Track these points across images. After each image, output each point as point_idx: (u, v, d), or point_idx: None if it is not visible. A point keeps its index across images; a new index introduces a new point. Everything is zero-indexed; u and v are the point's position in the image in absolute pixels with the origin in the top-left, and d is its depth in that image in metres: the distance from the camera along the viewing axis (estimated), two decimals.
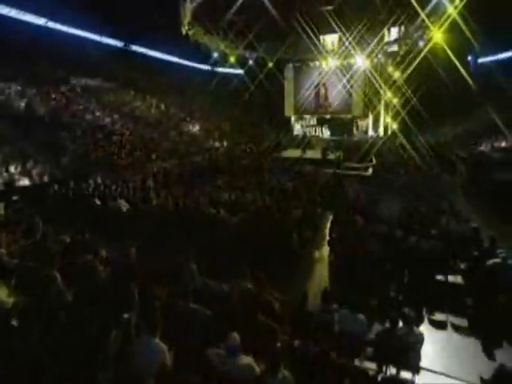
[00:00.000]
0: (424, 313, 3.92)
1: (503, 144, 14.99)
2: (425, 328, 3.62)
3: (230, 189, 8.29)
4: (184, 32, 14.83)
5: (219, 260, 4.56)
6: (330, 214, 7.75)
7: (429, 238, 5.06)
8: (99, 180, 9.20)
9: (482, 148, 16.10)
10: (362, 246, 5.08)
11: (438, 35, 18.68)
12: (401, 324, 3.08)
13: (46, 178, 9.15)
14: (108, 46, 20.45)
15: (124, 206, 7.47)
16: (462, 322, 3.91)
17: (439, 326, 3.82)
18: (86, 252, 4.14)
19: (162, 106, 22.79)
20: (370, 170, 12.16)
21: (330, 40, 23.39)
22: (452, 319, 3.94)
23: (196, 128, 23.06)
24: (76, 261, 3.82)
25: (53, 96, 15.15)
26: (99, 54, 19.28)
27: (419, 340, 2.82)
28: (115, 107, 18.64)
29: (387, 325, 3.05)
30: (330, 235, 6.58)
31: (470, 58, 22.92)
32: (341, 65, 23.75)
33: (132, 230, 6.42)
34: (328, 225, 6.90)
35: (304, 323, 3.23)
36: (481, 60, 22.99)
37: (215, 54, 20.47)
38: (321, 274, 4.94)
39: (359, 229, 5.71)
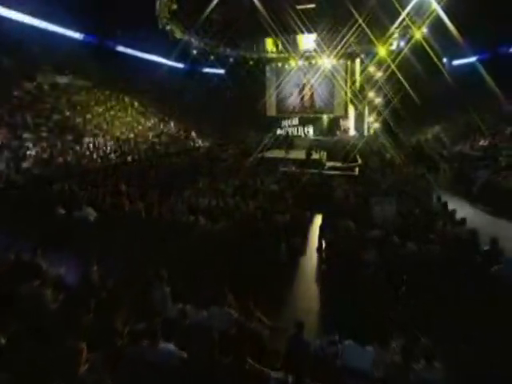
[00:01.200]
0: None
1: (481, 142, 15.19)
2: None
3: (211, 192, 7.65)
4: (161, 26, 13.99)
5: (198, 277, 3.95)
6: (318, 217, 7.31)
7: (427, 243, 4.67)
8: (66, 186, 8.28)
9: (461, 147, 16.30)
10: (357, 254, 4.63)
11: (417, 35, 18.98)
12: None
13: (1, 184, 8.13)
14: (82, 41, 19.07)
15: (91, 214, 6.67)
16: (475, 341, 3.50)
17: (452, 351, 3.38)
18: (33, 275, 3.40)
19: (140, 106, 21.70)
20: (357, 170, 11.87)
21: (313, 39, 23.19)
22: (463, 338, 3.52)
23: (176, 128, 22.17)
24: (18, 289, 3.09)
25: (15, 93, 13.88)
26: (71, 49, 18.03)
27: (440, 377, 2.35)
28: (88, 107, 17.45)
29: (399, 357, 2.56)
30: (319, 241, 6.11)
31: (445, 60, 23.45)
32: (322, 64, 23.68)
33: (98, 242, 5.68)
34: (317, 229, 6.42)
35: (300, 357, 2.68)
36: (457, 62, 23.56)
37: (194, 51, 19.63)
38: (314, 290, 4.42)
39: (352, 234, 5.26)
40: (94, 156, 13.40)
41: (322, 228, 5.98)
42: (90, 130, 15.74)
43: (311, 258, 5.30)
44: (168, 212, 6.37)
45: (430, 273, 4.10)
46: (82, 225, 6.32)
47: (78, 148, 13.10)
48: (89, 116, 17.16)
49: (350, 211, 6.02)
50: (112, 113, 18.89)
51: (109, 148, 15.03)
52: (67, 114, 15.82)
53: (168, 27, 14.55)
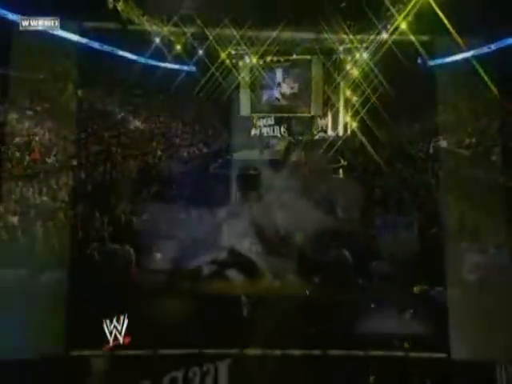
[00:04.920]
0: None
1: (467, 141, 14.39)
2: None
3: (156, 205, 5.74)
4: (110, 6, 11.63)
5: None
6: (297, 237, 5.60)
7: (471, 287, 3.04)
8: None
9: (444, 145, 15.54)
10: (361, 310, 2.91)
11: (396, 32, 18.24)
12: None
13: None
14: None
15: None
16: None
17: None
18: None
19: (97, 101, 19.12)
20: (341, 172, 10.45)
21: (289, 34, 21.93)
22: None
23: (140, 128, 19.90)
24: None
25: None
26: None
27: None
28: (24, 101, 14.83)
29: None
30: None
31: (419, 60, 23.17)
32: (300, 61, 22.80)
33: None
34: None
35: None
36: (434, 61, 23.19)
37: (157, 40, 17.43)
38: None
39: (349, 272, 3.54)
40: (26, 159, 10.99)
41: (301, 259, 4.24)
42: (26, 127, 13.20)
43: (285, 313, 3.52)
44: (83, 240, 4.38)
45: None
46: None
47: (2, 149, 10.62)
48: (29, 112, 14.60)
49: (342, 233, 4.33)
50: (59, 109, 16.30)
51: (50, 150, 12.61)
52: None
53: (120, 7, 12.15)
